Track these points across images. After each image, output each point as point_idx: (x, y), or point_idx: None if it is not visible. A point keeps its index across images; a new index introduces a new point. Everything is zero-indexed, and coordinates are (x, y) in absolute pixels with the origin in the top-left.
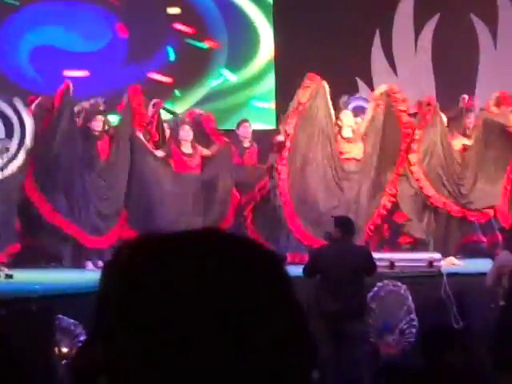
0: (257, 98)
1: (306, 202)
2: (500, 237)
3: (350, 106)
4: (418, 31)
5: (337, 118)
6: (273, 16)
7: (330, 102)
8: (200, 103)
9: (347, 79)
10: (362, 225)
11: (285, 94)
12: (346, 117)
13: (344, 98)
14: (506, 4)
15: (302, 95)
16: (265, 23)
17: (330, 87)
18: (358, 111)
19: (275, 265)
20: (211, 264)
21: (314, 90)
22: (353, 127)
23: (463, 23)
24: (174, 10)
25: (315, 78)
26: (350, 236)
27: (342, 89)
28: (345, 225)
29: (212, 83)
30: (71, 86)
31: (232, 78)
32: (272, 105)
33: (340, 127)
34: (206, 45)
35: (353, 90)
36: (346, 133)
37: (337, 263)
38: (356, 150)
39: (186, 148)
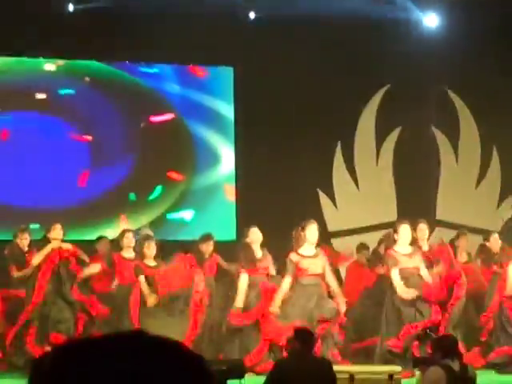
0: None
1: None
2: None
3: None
4: (379, 144)
5: (303, 228)
6: (234, 131)
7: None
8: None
9: (309, 191)
10: None
11: (246, 205)
12: (311, 231)
13: (298, 230)
14: (468, 117)
15: None
16: (225, 139)
17: (291, 198)
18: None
19: (198, 368)
20: (131, 368)
21: None
22: (316, 243)
23: (425, 136)
24: None
25: None
26: (309, 348)
27: (304, 200)
28: (304, 337)
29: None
30: None
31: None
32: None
33: (304, 242)
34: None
35: (314, 202)
36: (308, 250)
37: (297, 376)
38: (314, 267)
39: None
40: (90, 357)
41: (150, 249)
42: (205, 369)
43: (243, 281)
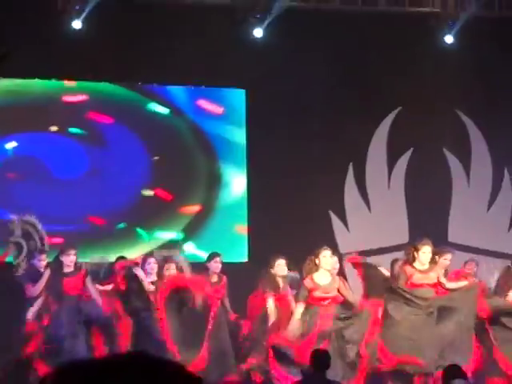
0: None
1: None
2: None
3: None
4: (391, 166)
5: (316, 256)
6: (246, 156)
7: None
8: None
9: (321, 213)
10: None
11: (258, 225)
12: (325, 258)
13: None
14: (479, 139)
15: None
16: (237, 165)
17: (303, 221)
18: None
19: None
20: None
21: None
22: (330, 270)
23: (436, 158)
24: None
25: None
26: (323, 371)
27: (315, 222)
28: (318, 359)
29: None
30: None
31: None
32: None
33: (317, 267)
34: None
35: (326, 224)
36: (324, 278)
37: None
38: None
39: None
40: (91, 377)
41: (170, 270)
42: None
43: (270, 305)
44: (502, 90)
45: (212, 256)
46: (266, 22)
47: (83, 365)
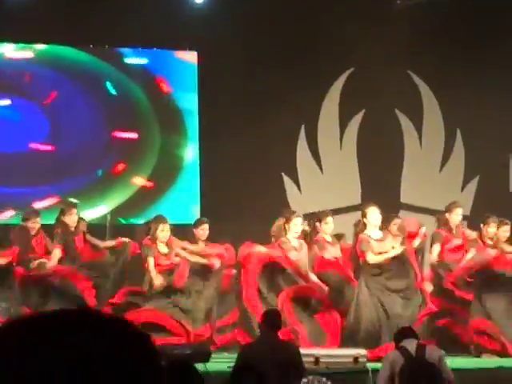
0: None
1: None
2: None
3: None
4: (343, 127)
5: (286, 221)
6: (199, 123)
7: None
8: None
9: (273, 175)
10: None
11: (211, 192)
12: (296, 226)
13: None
14: (431, 100)
15: None
16: (190, 130)
17: (255, 183)
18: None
19: (144, 346)
20: (75, 344)
21: None
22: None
23: (388, 119)
24: None
25: None
26: (276, 331)
27: (268, 184)
28: (271, 320)
29: None
30: None
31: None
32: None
33: (286, 231)
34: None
35: (278, 186)
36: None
37: (262, 360)
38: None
39: (162, 248)
40: (34, 333)
41: (164, 231)
42: (150, 347)
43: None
44: (454, 50)
45: (199, 222)
46: None
47: (24, 321)
